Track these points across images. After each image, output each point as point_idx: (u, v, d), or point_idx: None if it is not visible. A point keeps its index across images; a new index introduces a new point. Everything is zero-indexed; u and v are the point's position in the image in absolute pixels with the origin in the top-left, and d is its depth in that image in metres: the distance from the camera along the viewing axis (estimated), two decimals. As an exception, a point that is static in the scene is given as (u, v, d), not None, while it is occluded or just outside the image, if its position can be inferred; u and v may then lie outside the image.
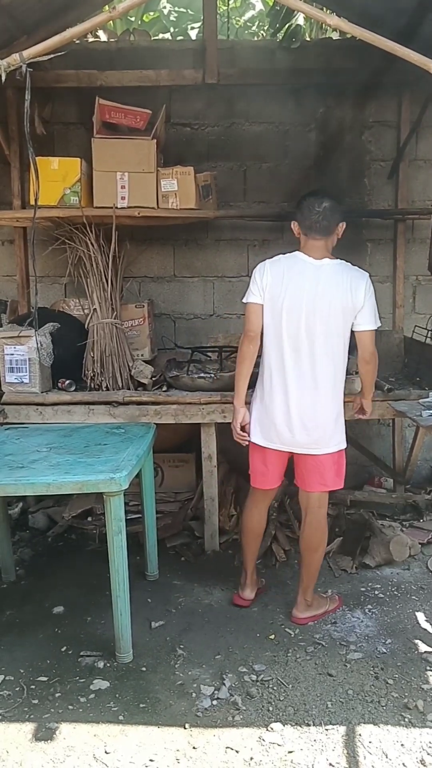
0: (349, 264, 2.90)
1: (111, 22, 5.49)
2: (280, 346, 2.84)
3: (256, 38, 6.80)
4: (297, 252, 2.90)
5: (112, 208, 3.62)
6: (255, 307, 2.88)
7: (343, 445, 2.96)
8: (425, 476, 4.53)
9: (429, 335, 3.82)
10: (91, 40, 4.63)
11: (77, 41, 3.95)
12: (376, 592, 3.28)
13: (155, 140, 3.63)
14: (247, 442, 3.02)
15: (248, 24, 7.66)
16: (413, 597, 3.23)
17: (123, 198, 3.64)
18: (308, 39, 5.28)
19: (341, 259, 2.91)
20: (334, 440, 2.90)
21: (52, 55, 2.50)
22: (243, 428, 3.00)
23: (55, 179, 3.57)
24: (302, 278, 2.81)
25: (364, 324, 2.85)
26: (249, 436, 2.99)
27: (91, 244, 3.66)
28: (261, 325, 2.88)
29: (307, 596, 3.03)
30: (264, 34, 6.95)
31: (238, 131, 4.28)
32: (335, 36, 4.60)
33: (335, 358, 2.84)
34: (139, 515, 3.47)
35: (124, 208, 3.65)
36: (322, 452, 2.89)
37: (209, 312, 4.43)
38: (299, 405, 2.84)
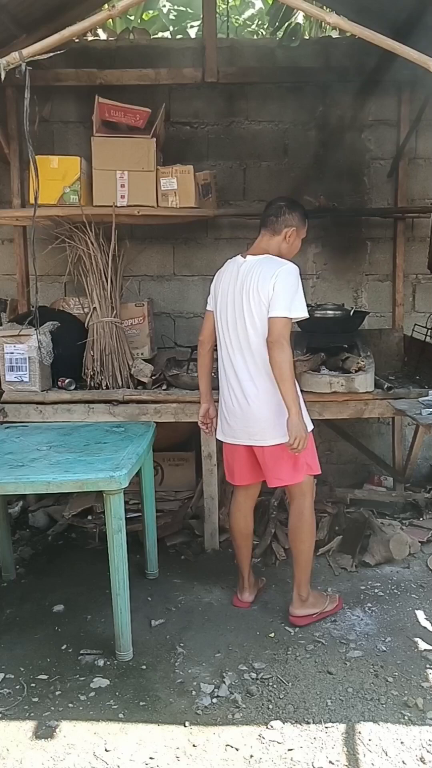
0: (276, 258, 2.84)
1: (110, 20, 5.50)
2: (222, 344, 2.97)
3: (255, 37, 6.80)
4: (239, 254, 2.98)
5: (111, 206, 3.62)
6: (207, 314, 3.09)
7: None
8: (425, 475, 4.53)
9: (429, 334, 3.82)
10: (90, 38, 4.65)
11: (77, 40, 3.96)
12: (376, 591, 3.28)
13: (155, 139, 3.64)
14: (207, 431, 3.25)
15: (248, 22, 7.65)
16: (413, 595, 3.24)
17: (123, 197, 3.65)
18: (308, 37, 5.29)
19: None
20: (280, 429, 2.78)
21: (51, 54, 2.51)
22: (204, 421, 3.19)
23: (54, 178, 3.57)
24: (228, 278, 2.93)
25: (271, 311, 2.73)
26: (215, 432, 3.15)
27: (91, 242, 3.66)
28: (211, 330, 3.05)
29: (301, 591, 2.98)
30: (263, 33, 6.95)
31: (237, 130, 4.28)
32: (335, 34, 4.60)
33: (264, 351, 2.77)
34: (139, 514, 3.47)
35: (123, 206, 3.65)
36: (268, 443, 2.85)
37: (209, 311, 4.43)
38: (238, 397, 2.90)
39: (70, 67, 3.89)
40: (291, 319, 2.77)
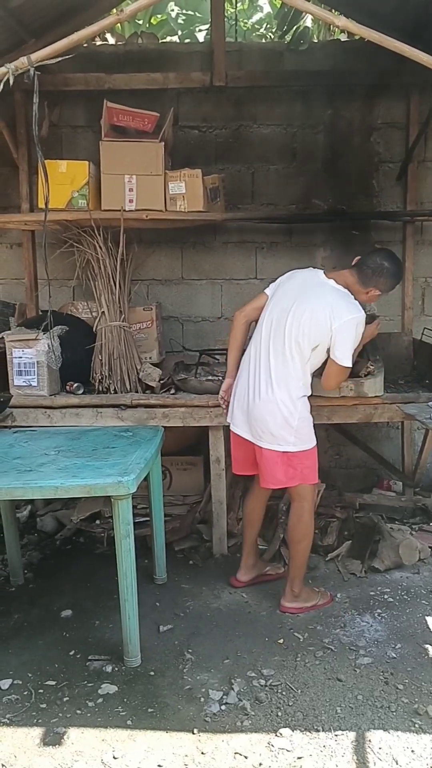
0: (355, 302, 2.94)
1: (119, 25, 5.51)
2: (260, 335, 3.02)
3: (263, 41, 6.79)
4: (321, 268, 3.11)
5: (120, 210, 3.62)
6: (261, 295, 3.15)
7: (292, 449, 2.94)
8: (435, 479, 4.50)
9: (438, 337, 3.80)
10: (99, 43, 4.65)
11: (85, 44, 3.97)
12: (386, 596, 3.25)
13: (163, 143, 3.64)
14: (225, 408, 3.28)
15: (256, 26, 7.65)
16: (423, 601, 3.21)
17: (131, 201, 3.64)
18: (316, 41, 5.27)
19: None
20: (280, 440, 2.93)
21: (60, 58, 2.50)
22: (225, 397, 3.27)
23: (63, 182, 3.57)
24: (302, 281, 3.03)
25: (334, 354, 2.93)
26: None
27: (99, 246, 3.66)
28: (257, 310, 3.12)
29: (294, 587, 3.09)
30: (272, 37, 6.94)
31: (245, 134, 4.27)
32: (343, 38, 4.59)
33: (293, 363, 2.93)
34: (147, 518, 3.46)
35: (132, 210, 3.65)
36: (265, 446, 2.95)
37: (217, 314, 4.43)
38: (252, 391, 2.98)
39: (79, 72, 3.89)
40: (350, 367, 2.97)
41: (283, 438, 2.92)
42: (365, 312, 2.99)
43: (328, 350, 2.94)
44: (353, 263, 3.07)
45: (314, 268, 3.14)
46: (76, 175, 3.60)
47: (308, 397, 3.02)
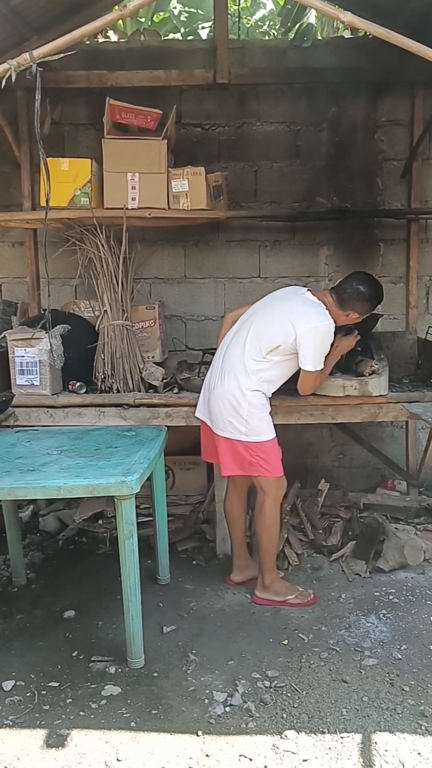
0: (325, 313, 3.02)
1: (121, 22, 5.51)
2: (237, 326, 3.19)
3: (267, 38, 6.77)
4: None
5: (122, 209, 3.60)
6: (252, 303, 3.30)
7: (244, 439, 3.01)
8: (439, 479, 4.47)
9: (443, 336, 3.78)
10: (101, 40, 4.63)
11: (87, 41, 3.95)
12: (391, 597, 3.23)
13: (166, 140, 3.62)
14: None
15: (259, 23, 7.63)
16: (428, 602, 3.18)
17: (133, 199, 3.62)
18: (320, 38, 5.25)
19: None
20: (231, 428, 3.02)
21: (62, 55, 2.49)
22: None
23: (65, 180, 3.55)
24: (285, 291, 3.27)
25: (301, 362, 3.04)
26: None
27: (102, 245, 3.64)
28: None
29: (264, 578, 3.16)
30: (275, 34, 6.92)
31: (249, 131, 4.25)
32: (347, 35, 4.56)
33: (248, 357, 3.03)
34: (150, 518, 3.44)
35: (134, 209, 3.63)
36: (219, 433, 3.07)
37: (220, 313, 4.40)
38: (214, 376, 3.13)
39: (81, 69, 3.88)
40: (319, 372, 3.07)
41: (234, 427, 3.02)
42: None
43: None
44: (333, 286, 3.18)
45: (300, 286, 3.34)
46: (78, 173, 3.58)
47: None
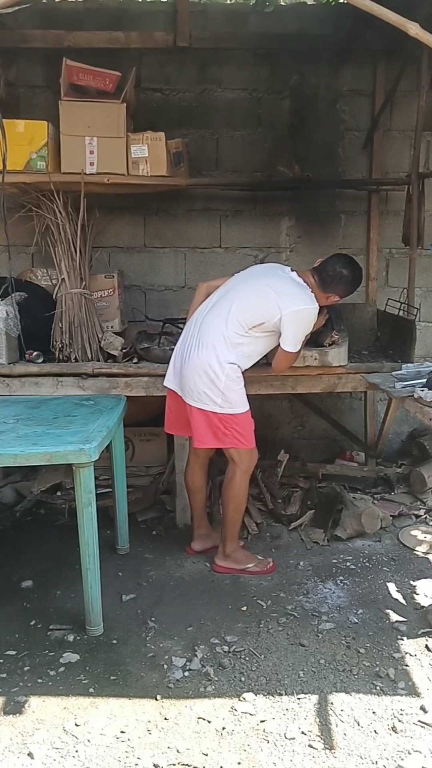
0: (311, 296, 3.02)
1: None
2: (214, 296, 3.15)
3: (229, 1, 6.64)
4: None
5: (80, 174, 3.51)
6: (227, 277, 3.25)
7: (219, 411, 2.99)
8: (396, 450, 4.55)
9: (402, 308, 3.80)
10: (58, -1, 4.47)
11: (43, -1, 3.81)
12: (348, 564, 3.28)
13: (125, 104, 3.53)
14: None
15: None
16: (384, 568, 3.25)
17: (92, 164, 3.53)
18: (283, 3, 5.17)
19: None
20: (206, 399, 2.98)
21: (15, 7, 2.39)
22: None
23: (20, 143, 3.43)
24: (266, 266, 3.28)
25: (282, 342, 3.03)
26: None
27: (59, 211, 3.55)
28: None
29: (225, 547, 3.17)
30: None
31: (210, 97, 4.18)
32: (310, 1, 4.50)
33: (229, 330, 2.99)
34: (110, 490, 3.42)
35: (92, 174, 3.54)
36: (193, 404, 3.02)
37: (180, 284, 4.36)
38: (188, 347, 3.05)
39: (37, 28, 3.74)
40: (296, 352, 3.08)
41: (210, 398, 2.97)
42: None
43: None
44: (315, 265, 3.16)
45: (284, 265, 3.33)
46: (34, 136, 3.47)
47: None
